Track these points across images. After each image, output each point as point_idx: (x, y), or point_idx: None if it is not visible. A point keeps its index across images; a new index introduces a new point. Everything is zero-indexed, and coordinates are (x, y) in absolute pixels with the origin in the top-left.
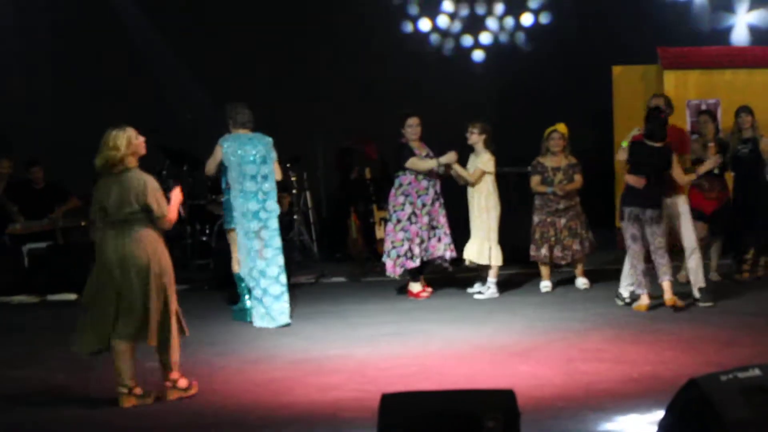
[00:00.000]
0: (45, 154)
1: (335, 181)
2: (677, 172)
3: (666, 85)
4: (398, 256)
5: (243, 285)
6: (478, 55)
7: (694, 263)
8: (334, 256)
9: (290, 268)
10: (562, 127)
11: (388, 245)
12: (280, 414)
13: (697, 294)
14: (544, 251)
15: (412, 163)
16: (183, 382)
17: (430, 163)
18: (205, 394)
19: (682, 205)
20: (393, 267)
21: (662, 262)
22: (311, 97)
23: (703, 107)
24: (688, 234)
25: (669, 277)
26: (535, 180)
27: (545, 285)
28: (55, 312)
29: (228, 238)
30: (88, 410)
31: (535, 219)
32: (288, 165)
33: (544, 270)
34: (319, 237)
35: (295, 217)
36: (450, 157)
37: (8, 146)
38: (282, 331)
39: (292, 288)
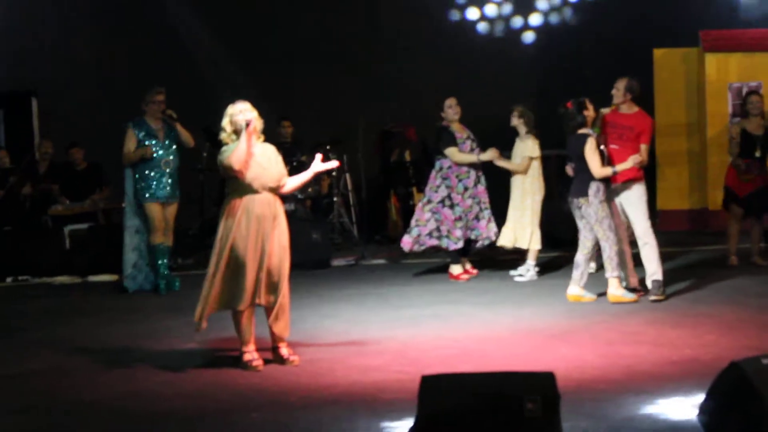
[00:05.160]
0: (85, 137)
1: (375, 163)
2: (592, 163)
3: (707, 68)
4: (419, 235)
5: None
6: (519, 39)
7: (644, 253)
8: (374, 238)
9: (329, 249)
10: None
11: (412, 222)
12: (320, 395)
13: (649, 285)
14: None
15: (451, 153)
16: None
17: (470, 158)
18: (245, 376)
19: (631, 191)
20: (409, 243)
21: (603, 255)
22: (352, 81)
23: (745, 90)
24: (638, 223)
25: (611, 273)
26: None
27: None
28: (96, 293)
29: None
30: (132, 389)
31: None
32: (328, 147)
33: None
34: (359, 219)
35: (335, 199)
36: (490, 154)
37: (50, 129)
38: (323, 312)
39: (332, 270)
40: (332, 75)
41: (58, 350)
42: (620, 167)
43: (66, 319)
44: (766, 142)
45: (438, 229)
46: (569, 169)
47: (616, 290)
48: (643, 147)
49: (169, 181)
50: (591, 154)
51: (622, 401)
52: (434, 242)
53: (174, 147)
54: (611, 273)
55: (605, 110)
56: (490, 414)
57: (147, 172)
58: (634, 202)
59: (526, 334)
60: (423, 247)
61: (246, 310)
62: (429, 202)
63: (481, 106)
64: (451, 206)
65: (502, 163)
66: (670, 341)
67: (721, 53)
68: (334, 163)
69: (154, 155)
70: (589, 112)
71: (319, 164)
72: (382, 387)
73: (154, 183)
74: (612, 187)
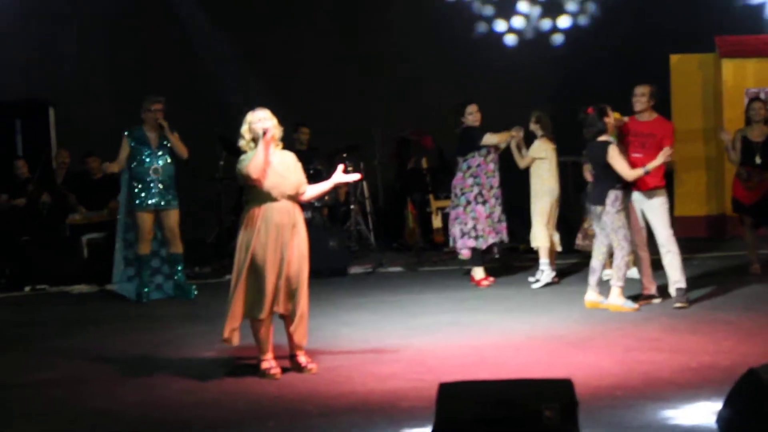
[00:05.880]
0: (101, 147)
1: (392, 171)
2: (619, 167)
3: (724, 74)
4: (463, 236)
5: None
6: (537, 43)
7: (667, 260)
8: (391, 245)
9: (346, 257)
10: (616, 116)
11: (466, 228)
12: (338, 403)
13: (672, 292)
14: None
15: (489, 138)
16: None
17: (506, 134)
18: (263, 384)
19: (655, 199)
20: (467, 250)
21: (613, 263)
22: (368, 88)
23: (762, 95)
24: (660, 231)
25: (616, 282)
26: (587, 168)
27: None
28: (113, 302)
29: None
30: (150, 398)
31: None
32: (344, 155)
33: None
34: (376, 227)
35: (351, 207)
36: (515, 130)
37: (67, 138)
38: (340, 320)
39: (349, 277)
40: (347, 83)
41: (75, 359)
42: (651, 165)
43: (83, 327)
44: (766, 149)
45: (474, 228)
46: (587, 174)
47: (617, 299)
48: (666, 149)
49: (161, 188)
50: (616, 159)
51: (640, 408)
52: (484, 244)
53: (167, 154)
54: (616, 282)
55: (624, 118)
56: (508, 421)
57: (137, 179)
58: (656, 210)
59: (543, 341)
60: (470, 249)
61: (265, 319)
62: (468, 203)
63: (497, 113)
64: (483, 203)
65: (515, 147)
66: (687, 348)
67: (738, 59)
68: (356, 176)
69: (145, 163)
70: (610, 120)
71: (340, 175)
72: (400, 395)
73: (144, 190)
74: (633, 195)
